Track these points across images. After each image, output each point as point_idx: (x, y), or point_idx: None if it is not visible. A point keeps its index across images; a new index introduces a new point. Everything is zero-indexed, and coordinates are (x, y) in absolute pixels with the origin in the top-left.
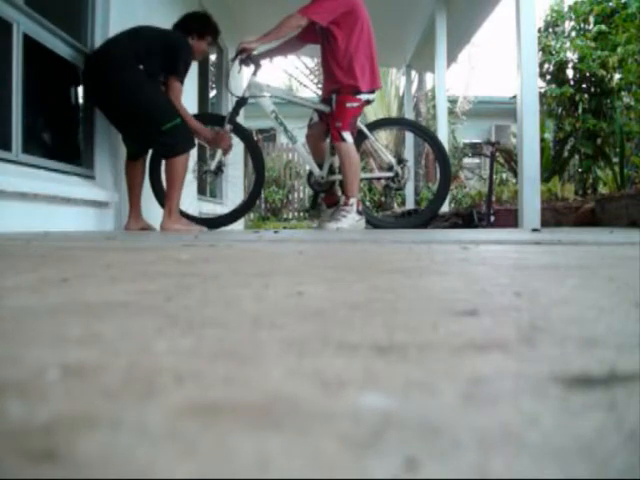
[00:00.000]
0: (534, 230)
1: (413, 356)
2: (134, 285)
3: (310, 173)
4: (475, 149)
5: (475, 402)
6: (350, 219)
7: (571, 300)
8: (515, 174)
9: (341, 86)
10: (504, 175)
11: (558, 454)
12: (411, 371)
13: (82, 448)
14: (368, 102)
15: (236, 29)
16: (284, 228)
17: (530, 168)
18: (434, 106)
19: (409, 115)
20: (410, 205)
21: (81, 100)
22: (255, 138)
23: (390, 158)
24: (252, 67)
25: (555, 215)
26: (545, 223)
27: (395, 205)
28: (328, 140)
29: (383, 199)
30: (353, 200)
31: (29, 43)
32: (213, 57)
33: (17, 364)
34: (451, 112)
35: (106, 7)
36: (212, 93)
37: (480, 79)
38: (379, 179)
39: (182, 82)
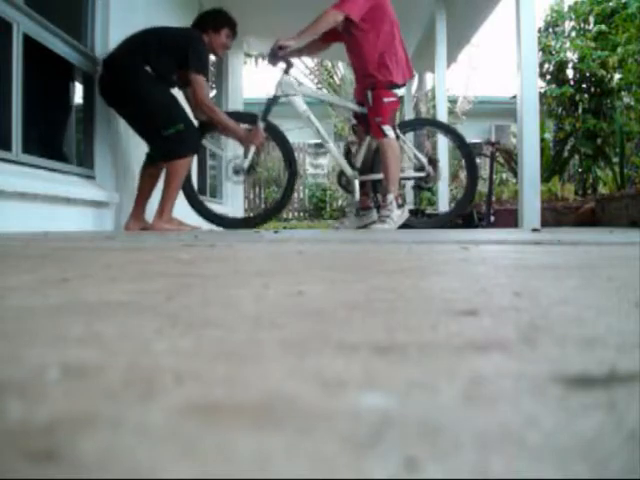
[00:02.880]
0: (534, 230)
1: (413, 356)
2: (134, 285)
3: (341, 172)
4: (475, 149)
5: (475, 402)
6: (394, 217)
7: (571, 300)
8: (515, 174)
9: (375, 81)
10: (504, 175)
11: (558, 454)
12: (411, 371)
13: (82, 448)
14: (401, 98)
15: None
16: (284, 228)
17: (530, 168)
18: (434, 106)
19: (409, 115)
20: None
21: (81, 100)
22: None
23: (422, 158)
24: (281, 65)
25: (555, 215)
26: (545, 223)
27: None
28: (367, 139)
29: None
30: (391, 197)
31: (29, 43)
32: (213, 57)
33: (17, 364)
34: (451, 112)
35: (106, 7)
36: (212, 93)
37: (480, 79)
38: (411, 179)
39: (205, 75)
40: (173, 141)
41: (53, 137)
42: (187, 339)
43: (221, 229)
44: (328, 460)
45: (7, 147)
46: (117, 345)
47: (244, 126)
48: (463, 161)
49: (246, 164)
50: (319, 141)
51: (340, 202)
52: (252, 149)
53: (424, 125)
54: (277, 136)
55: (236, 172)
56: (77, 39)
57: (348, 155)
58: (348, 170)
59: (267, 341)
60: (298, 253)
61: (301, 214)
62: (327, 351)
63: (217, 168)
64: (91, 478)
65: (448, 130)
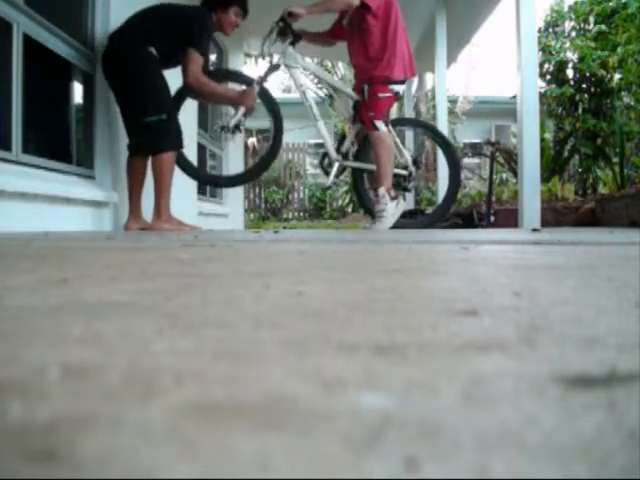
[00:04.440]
0: (534, 230)
1: (413, 356)
2: (134, 285)
3: (324, 154)
4: (475, 149)
5: (475, 402)
6: (390, 210)
7: (571, 300)
8: (515, 174)
9: (372, 76)
10: (504, 175)
11: (558, 454)
12: (411, 371)
13: (82, 448)
14: (398, 94)
15: (236, 30)
16: (284, 228)
17: (530, 168)
18: (434, 106)
19: (409, 115)
20: (409, 205)
21: (81, 100)
22: (256, 138)
23: (407, 157)
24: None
25: (555, 215)
26: (545, 223)
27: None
28: (357, 126)
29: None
30: (382, 190)
31: (29, 43)
32: (213, 57)
33: (17, 364)
34: (451, 112)
35: (106, 6)
36: None
37: (480, 79)
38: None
39: (203, 53)
40: (153, 130)
41: (53, 137)
42: (187, 339)
43: (221, 229)
44: (328, 460)
45: (7, 147)
46: (117, 345)
47: (240, 87)
48: (445, 161)
49: (232, 122)
50: (319, 141)
51: (340, 202)
52: (241, 109)
53: (405, 124)
54: (268, 101)
55: (221, 129)
56: (77, 39)
57: (341, 141)
58: (332, 152)
59: (267, 341)
60: (298, 253)
61: (301, 214)
62: (327, 351)
63: (217, 168)
64: (91, 478)
65: (428, 128)
